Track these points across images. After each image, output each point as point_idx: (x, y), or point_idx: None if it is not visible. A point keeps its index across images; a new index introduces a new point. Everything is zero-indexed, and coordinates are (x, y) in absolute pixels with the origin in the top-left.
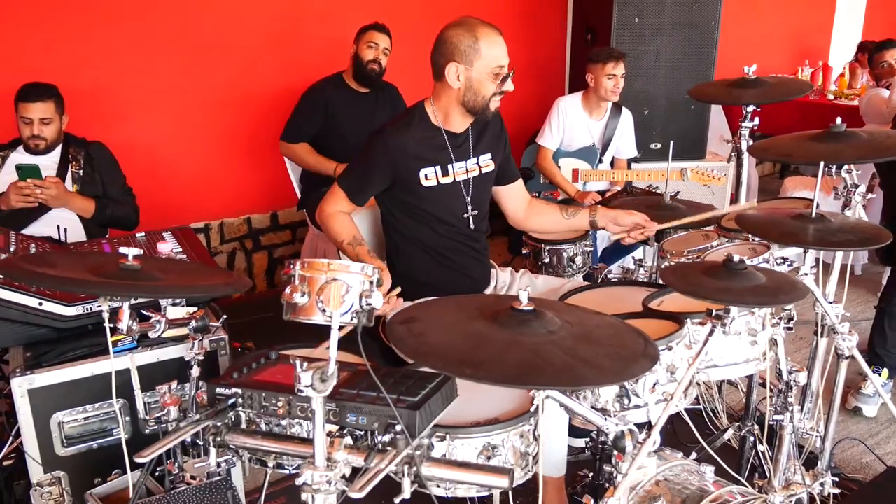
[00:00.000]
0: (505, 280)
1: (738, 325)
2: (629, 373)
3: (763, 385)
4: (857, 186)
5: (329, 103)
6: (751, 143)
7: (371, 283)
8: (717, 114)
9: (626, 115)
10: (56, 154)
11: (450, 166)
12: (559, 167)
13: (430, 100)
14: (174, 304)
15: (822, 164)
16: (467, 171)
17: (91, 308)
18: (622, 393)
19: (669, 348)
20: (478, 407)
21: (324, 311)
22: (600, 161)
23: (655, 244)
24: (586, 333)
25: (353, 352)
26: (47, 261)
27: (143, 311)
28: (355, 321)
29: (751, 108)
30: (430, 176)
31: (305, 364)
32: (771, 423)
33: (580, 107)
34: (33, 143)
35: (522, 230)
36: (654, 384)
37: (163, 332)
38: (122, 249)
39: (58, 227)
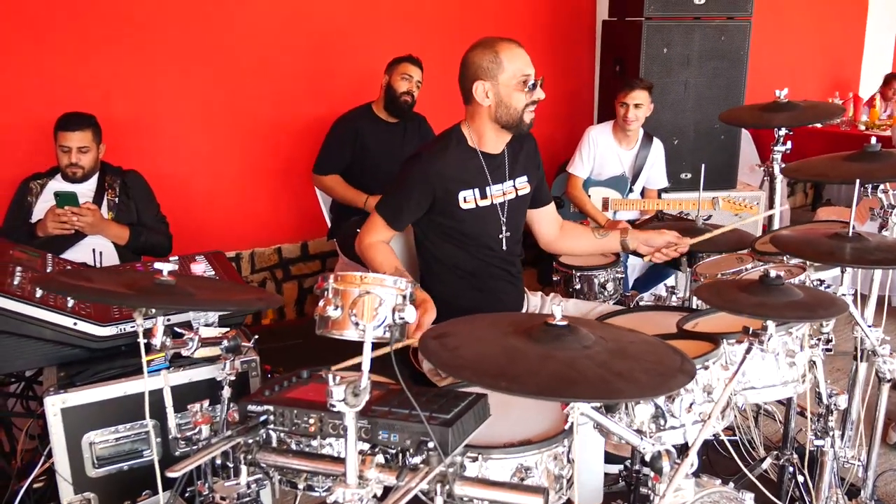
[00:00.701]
0: (536, 304)
1: (776, 344)
2: (666, 387)
3: (801, 414)
4: (893, 207)
5: (359, 134)
6: (783, 166)
7: (404, 297)
8: (746, 144)
9: (657, 145)
10: (93, 182)
11: (487, 189)
12: (589, 196)
13: (466, 122)
14: (207, 325)
15: (857, 182)
16: (504, 193)
17: (125, 328)
18: (658, 413)
19: (706, 367)
20: (511, 428)
21: (357, 324)
22: (631, 190)
23: (688, 269)
24: (621, 349)
25: (384, 374)
26: (84, 275)
27: (176, 330)
28: (388, 335)
29: (783, 131)
30: (468, 199)
31: (338, 378)
32: (811, 449)
33: (610, 136)
34: (71, 172)
35: (554, 253)
36: (691, 404)
37: (195, 350)
38: (157, 264)
39: (93, 251)
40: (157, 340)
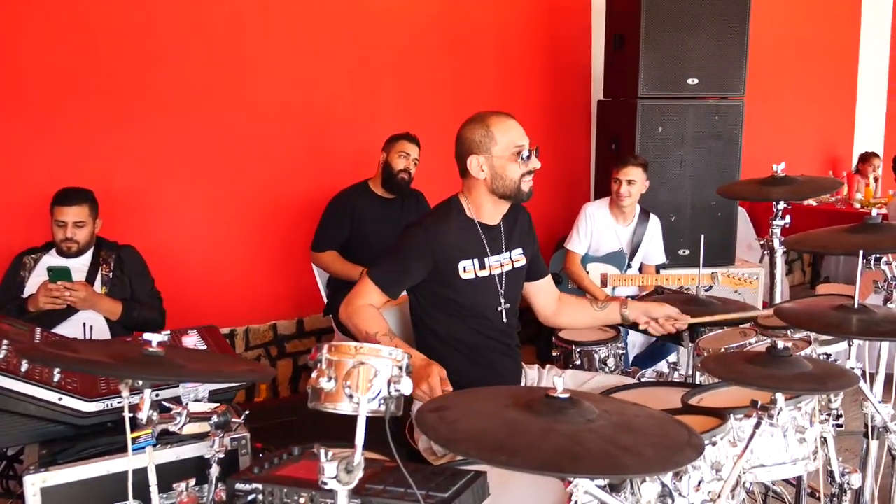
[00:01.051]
0: (533, 377)
1: (785, 419)
2: (673, 462)
3: (812, 495)
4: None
5: (356, 211)
6: (783, 240)
7: (400, 367)
8: (743, 223)
9: (654, 222)
10: (87, 257)
11: (486, 259)
12: (587, 272)
13: (463, 193)
14: (196, 400)
15: (860, 253)
16: (501, 265)
17: (112, 404)
18: (665, 492)
19: (713, 444)
20: None
21: (351, 396)
22: (629, 266)
23: (690, 344)
24: (626, 423)
25: (378, 451)
26: (70, 346)
27: (164, 404)
28: (383, 408)
29: (781, 205)
30: (468, 269)
31: (330, 454)
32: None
33: (607, 212)
34: (66, 246)
35: (553, 327)
36: (700, 482)
37: (183, 425)
38: (146, 335)
39: (84, 325)
40: (143, 414)
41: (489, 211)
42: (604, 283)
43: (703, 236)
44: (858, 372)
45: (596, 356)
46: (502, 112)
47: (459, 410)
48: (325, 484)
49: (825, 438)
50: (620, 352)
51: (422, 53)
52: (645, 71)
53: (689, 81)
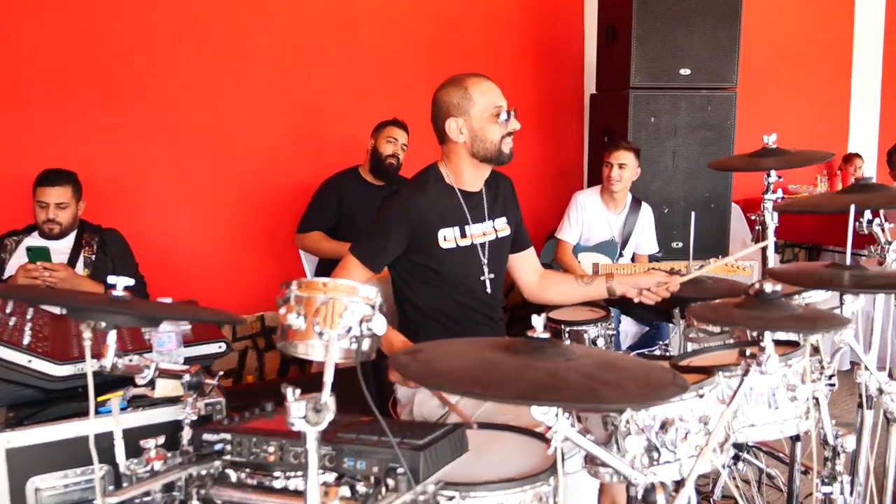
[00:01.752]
0: None
1: (775, 378)
2: (657, 396)
3: (806, 473)
4: (890, 243)
5: (344, 196)
6: (775, 216)
7: (373, 306)
8: (738, 221)
9: (646, 210)
10: (70, 239)
11: (467, 228)
12: (579, 262)
13: (442, 162)
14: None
15: (852, 206)
16: (484, 233)
17: (83, 368)
18: (651, 447)
19: (701, 396)
20: (491, 469)
21: (321, 333)
22: (620, 255)
23: (682, 321)
24: (608, 363)
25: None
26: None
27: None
28: (354, 346)
29: (773, 178)
30: (448, 237)
31: (298, 392)
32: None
33: (598, 200)
34: (48, 228)
35: (539, 303)
36: (686, 434)
37: (152, 379)
38: (111, 279)
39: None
40: (107, 361)
41: (469, 176)
42: (595, 273)
43: (693, 213)
44: (852, 327)
45: (586, 336)
46: (479, 73)
47: (435, 353)
48: (293, 425)
49: (818, 399)
50: (611, 333)
51: (412, 44)
52: (637, 61)
53: (682, 72)
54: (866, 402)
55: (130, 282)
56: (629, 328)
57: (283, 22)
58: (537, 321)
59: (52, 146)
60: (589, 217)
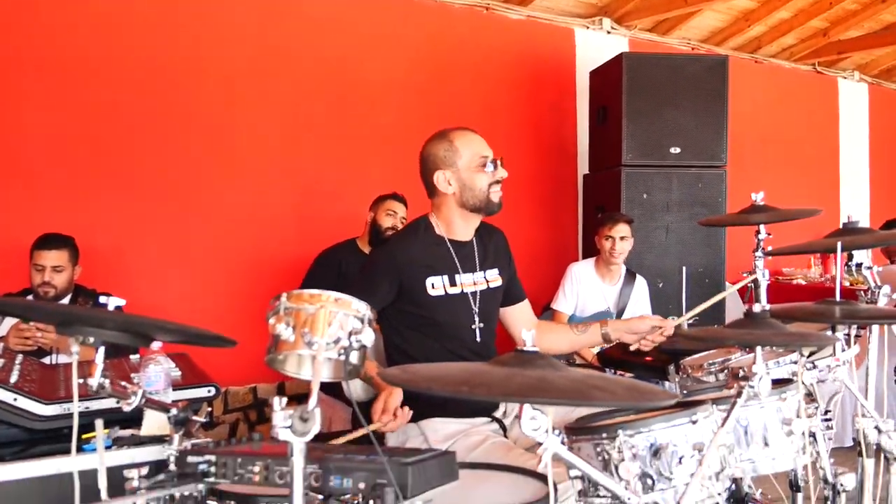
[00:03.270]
0: (513, 408)
1: (769, 412)
2: (646, 399)
3: None
4: (880, 287)
5: (342, 266)
6: (766, 272)
7: (361, 320)
8: (732, 298)
9: (641, 282)
10: (65, 302)
11: (457, 276)
12: None
13: (432, 213)
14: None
15: (839, 243)
16: (475, 283)
17: (69, 408)
18: (644, 474)
19: (694, 422)
20: (482, 501)
21: (309, 343)
22: None
23: (676, 378)
24: (600, 377)
25: None
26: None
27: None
28: (342, 357)
29: (763, 234)
30: (436, 285)
31: (284, 401)
32: None
33: (593, 272)
34: (43, 291)
35: None
36: (681, 458)
37: (137, 405)
38: (101, 299)
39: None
40: (94, 381)
41: (460, 227)
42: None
43: (684, 269)
44: (846, 364)
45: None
46: (462, 126)
47: (424, 368)
48: (278, 435)
49: (815, 434)
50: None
51: (408, 123)
52: (628, 139)
53: (672, 150)
54: (866, 451)
55: (122, 302)
56: None
57: (282, 99)
58: (527, 335)
59: (50, 213)
60: (584, 288)
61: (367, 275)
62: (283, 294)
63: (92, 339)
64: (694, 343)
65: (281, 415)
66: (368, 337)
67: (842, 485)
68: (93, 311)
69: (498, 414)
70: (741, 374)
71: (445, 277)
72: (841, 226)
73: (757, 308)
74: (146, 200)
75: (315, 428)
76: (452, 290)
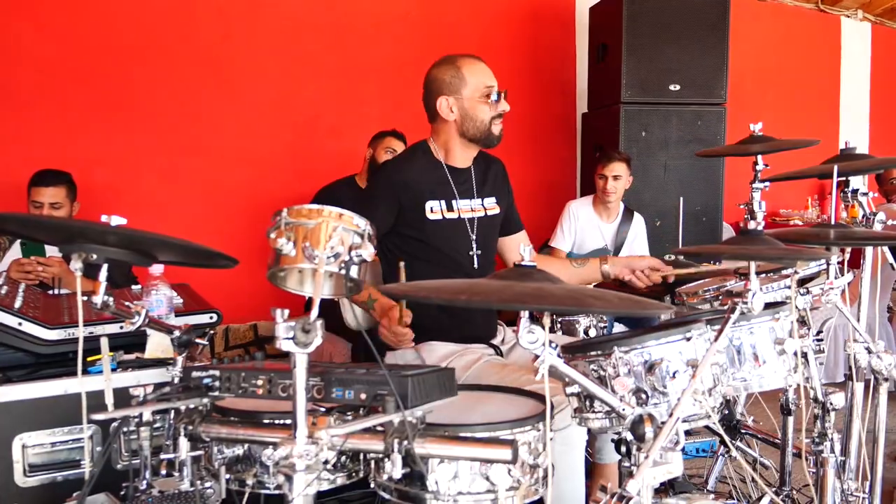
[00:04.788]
0: (511, 337)
1: (763, 332)
2: (641, 306)
3: (797, 455)
4: (875, 214)
5: (341, 202)
6: (763, 204)
7: (361, 235)
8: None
9: (638, 220)
10: None
11: (454, 202)
12: None
13: (431, 139)
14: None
15: (835, 167)
16: (472, 210)
17: (73, 333)
18: (638, 389)
19: (688, 339)
20: (481, 417)
21: (310, 256)
22: None
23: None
24: (597, 290)
25: None
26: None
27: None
28: (343, 271)
29: (760, 165)
30: (435, 209)
31: (287, 313)
32: (809, 455)
33: (591, 209)
34: None
35: None
36: (674, 373)
37: (141, 325)
38: (104, 217)
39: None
40: (98, 298)
41: (458, 154)
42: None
43: (682, 199)
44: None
45: (578, 327)
46: (471, 54)
47: (423, 282)
48: (281, 346)
49: (806, 354)
50: (603, 325)
51: (405, 60)
52: (627, 77)
53: (672, 87)
54: (856, 375)
55: (123, 220)
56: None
57: (276, 33)
58: (525, 251)
59: (47, 148)
60: (582, 226)
61: (367, 199)
62: (283, 209)
63: (95, 256)
64: (690, 259)
65: (283, 326)
66: (368, 252)
67: (831, 403)
68: (95, 225)
69: (496, 342)
70: (734, 290)
71: (443, 202)
72: (839, 152)
73: (752, 225)
74: (142, 136)
75: (317, 340)
76: (450, 215)
